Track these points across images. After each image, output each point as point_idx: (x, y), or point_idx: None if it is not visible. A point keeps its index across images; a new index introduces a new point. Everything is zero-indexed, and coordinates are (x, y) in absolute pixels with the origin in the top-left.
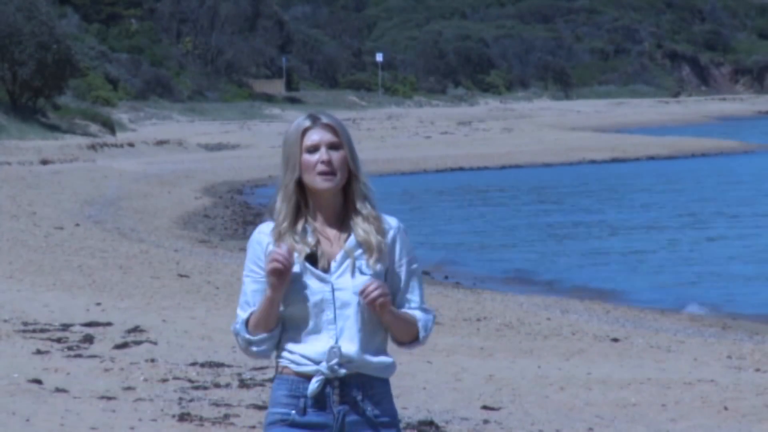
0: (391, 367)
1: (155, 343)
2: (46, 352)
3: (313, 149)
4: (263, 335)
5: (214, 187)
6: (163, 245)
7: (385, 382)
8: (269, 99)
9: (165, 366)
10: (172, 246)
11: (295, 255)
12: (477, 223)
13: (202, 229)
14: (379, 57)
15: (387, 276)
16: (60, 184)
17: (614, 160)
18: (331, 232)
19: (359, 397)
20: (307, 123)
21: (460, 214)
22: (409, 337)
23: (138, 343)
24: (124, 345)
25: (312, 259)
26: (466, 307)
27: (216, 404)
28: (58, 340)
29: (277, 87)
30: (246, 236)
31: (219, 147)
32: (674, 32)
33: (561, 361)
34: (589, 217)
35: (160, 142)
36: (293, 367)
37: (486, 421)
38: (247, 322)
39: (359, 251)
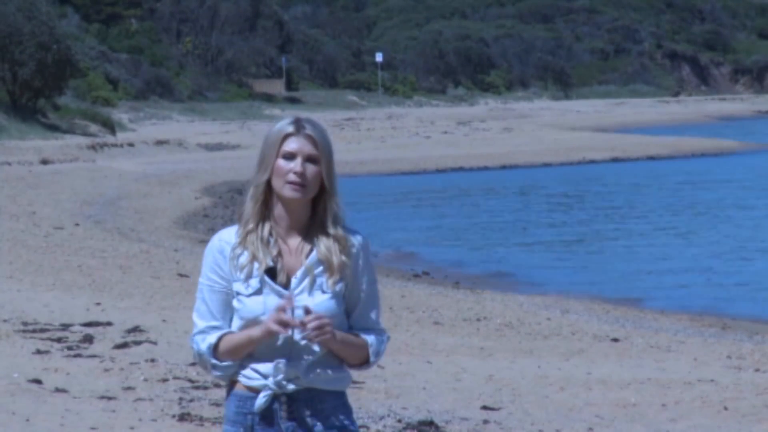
0: (345, 379)
1: (155, 343)
2: (46, 352)
3: (290, 157)
4: (230, 363)
5: (214, 187)
6: (163, 245)
7: (338, 396)
8: (269, 99)
9: (165, 366)
10: (172, 246)
11: (255, 266)
12: (477, 222)
13: (202, 229)
14: (378, 57)
15: (346, 293)
16: (60, 184)
17: (614, 160)
18: (293, 243)
19: (308, 413)
20: (290, 129)
21: (460, 213)
22: (358, 360)
23: (138, 343)
24: (124, 345)
25: (271, 272)
26: (466, 307)
27: (216, 404)
28: (58, 340)
29: (277, 87)
30: None
31: (219, 147)
32: (674, 32)
33: (561, 361)
34: (589, 216)
35: (160, 142)
36: (243, 381)
37: (486, 421)
38: (215, 346)
39: (320, 269)
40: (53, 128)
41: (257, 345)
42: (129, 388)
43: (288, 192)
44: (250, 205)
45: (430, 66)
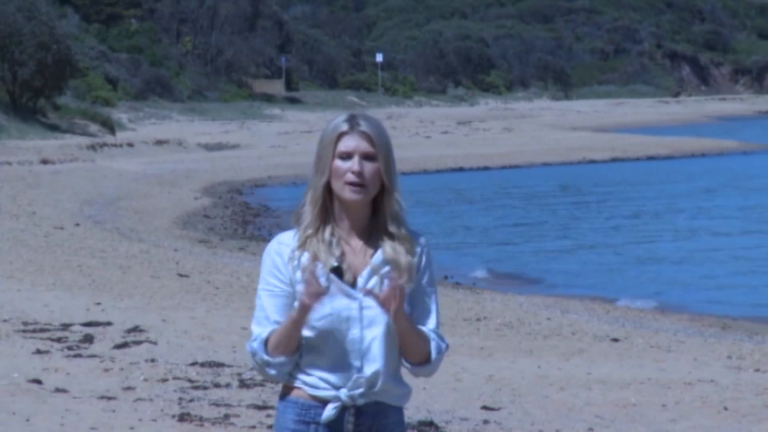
0: (408, 395)
1: (155, 343)
2: (46, 352)
3: (346, 156)
4: (283, 358)
5: (213, 187)
6: (163, 245)
7: (399, 411)
8: (269, 99)
9: (165, 366)
10: (171, 246)
11: (320, 266)
12: (477, 222)
13: (201, 229)
14: (378, 57)
15: (410, 294)
16: (60, 184)
17: (614, 160)
18: (356, 244)
19: (375, 428)
20: (345, 127)
21: (460, 214)
22: (421, 357)
23: (138, 343)
24: (124, 345)
25: (337, 271)
26: (466, 307)
27: (216, 404)
28: (58, 340)
29: (277, 87)
30: (246, 236)
31: (219, 147)
32: (674, 32)
33: (561, 361)
34: (589, 216)
35: (160, 142)
36: (307, 389)
37: (486, 421)
38: (266, 342)
39: (386, 269)
40: (53, 128)
41: (300, 326)
42: (129, 388)
43: (348, 194)
44: (309, 209)
45: (430, 66)
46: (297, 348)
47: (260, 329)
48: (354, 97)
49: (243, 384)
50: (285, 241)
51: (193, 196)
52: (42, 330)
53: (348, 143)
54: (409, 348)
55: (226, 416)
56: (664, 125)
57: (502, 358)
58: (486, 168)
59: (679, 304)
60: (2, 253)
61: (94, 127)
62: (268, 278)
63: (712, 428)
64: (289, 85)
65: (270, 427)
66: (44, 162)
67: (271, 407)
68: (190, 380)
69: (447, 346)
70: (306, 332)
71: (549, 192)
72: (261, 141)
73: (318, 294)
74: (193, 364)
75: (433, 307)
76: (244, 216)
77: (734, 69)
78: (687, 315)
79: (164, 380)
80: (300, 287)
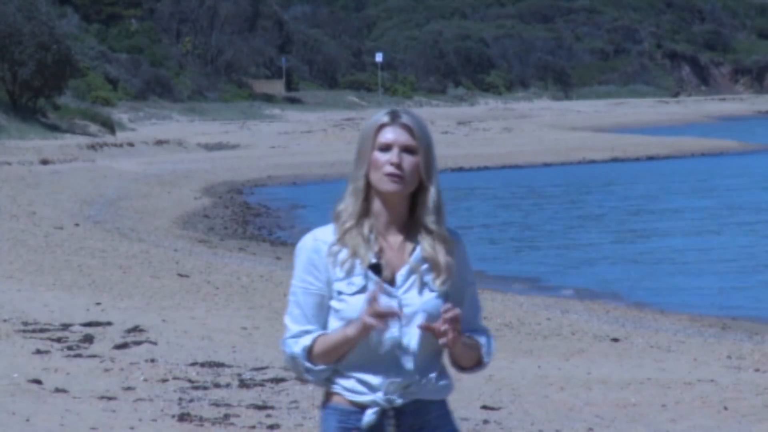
0: (449, 387)
1: (155, 343)
2: (46, 352)
3: (386, 148)
4: (324, 366)
5: (213, 187)
6: (163, 245)
7: (442, 404)
8: (269, 99)
9: (165, 366)
10: (171, 246)
11: (357, 262)
12: (476, 222)
13: (201, 229)
14: (378, 57)
15: (450, 293)
16: (60, 184)
17: (614, 160)
18: (394, 240)
19: (417, 426)
20: (385, 119)
21: (460, 213)
22: (472, 362)
23: (138, 343)
24: (124, 345)
25: (375, 269)
26: None
27: (216, 404)
28: (58, 340)
29: (277, 87)
30: (246, 236)
31: (219, 147)
32: (674, 32)
33: (561, 361)
34: (589, 216)
35: (160, 142)
36: (346, 395)
37: (486, 421)
38: (309, 349)
39: (425, 267)
40: (53, 128)
41: (354, 344)
42: (129, 388)
43: (386, 185)
44: (349, 202)
45: (430, 66)
46: (341, 357)
47: (298, 327)
48: (354, 97)
49: (243, 384)
50: (322, 238)
51: (193, 196)
52: (42, 330)
53: (387, 135)
54: (462, 359)
55: (226, 416)
56: (664, 125)
57: (502, 358)
58: (486, 168)
59: (679, 304)
60: (2, 253)
61: (94, 127)
62: (304, 275)
63: (712, 428)
64: (289, 85)
65: (270, 427)
66: (44, 162)
67: (271, 407)
68: (190, 380)
69: (494, 339)
70: None
71: (549, 192)
72: (261, 141)
73: (379, 315)
74: (193, 364)
75: (476, 303)
76: (244, 216)
77: (734, 69)
78: (687, 315)
79: (164, 380)
80: (338, 284)
